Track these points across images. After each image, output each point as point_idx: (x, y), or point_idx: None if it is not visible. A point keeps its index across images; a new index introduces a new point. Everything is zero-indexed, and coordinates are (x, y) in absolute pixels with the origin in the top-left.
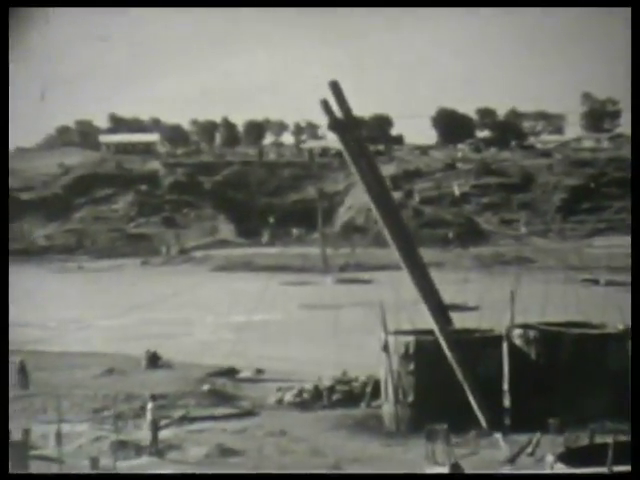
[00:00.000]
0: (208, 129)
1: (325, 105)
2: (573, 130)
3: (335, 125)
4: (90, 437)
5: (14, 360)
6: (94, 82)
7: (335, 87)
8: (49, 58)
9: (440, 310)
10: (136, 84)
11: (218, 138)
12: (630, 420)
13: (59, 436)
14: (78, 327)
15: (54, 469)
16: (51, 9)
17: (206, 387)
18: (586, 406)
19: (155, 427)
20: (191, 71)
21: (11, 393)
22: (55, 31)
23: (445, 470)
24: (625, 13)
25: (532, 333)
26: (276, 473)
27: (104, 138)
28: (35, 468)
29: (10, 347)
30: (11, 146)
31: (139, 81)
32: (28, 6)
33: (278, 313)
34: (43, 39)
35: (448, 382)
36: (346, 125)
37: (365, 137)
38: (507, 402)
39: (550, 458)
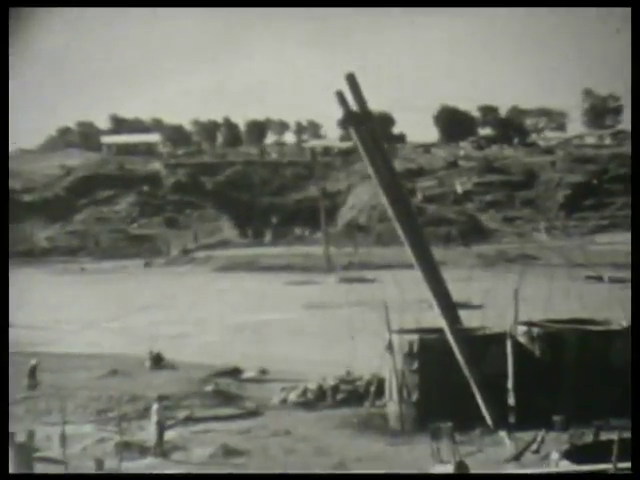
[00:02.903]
0: (210, 129)
1: (341, 97)
2: (575, 127)
3: (350, 118)
4: (94, 438)
5: (29, 362)
6: (95, 83)
7: (351, 80)
8: (50, 59)
9: (450, 308)
10: (137, 85)
11: (220, 138)
12: (632, 418)
13: (63, 438)
14: (81, 329)
15: (58, 471)
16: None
17: (210, 387)
18: (591, 403)
19: (160, 428)
20: (192, 71)
21: (18, 395)
22: (56, 31)
23: (450, 468)
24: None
25: (536, 330)
26: (281, 473)
27: (105, 139)
28: (40, 470)
29: (14, 349)
30: (13, 147)
31: (140, 82)
32: (28, 6)
33: (281, 313)
34: (44, 40)
35: (452, 380)
36: (361, 118)
37: (380, 131)
38: (511, 400)
39: (555, 455)
